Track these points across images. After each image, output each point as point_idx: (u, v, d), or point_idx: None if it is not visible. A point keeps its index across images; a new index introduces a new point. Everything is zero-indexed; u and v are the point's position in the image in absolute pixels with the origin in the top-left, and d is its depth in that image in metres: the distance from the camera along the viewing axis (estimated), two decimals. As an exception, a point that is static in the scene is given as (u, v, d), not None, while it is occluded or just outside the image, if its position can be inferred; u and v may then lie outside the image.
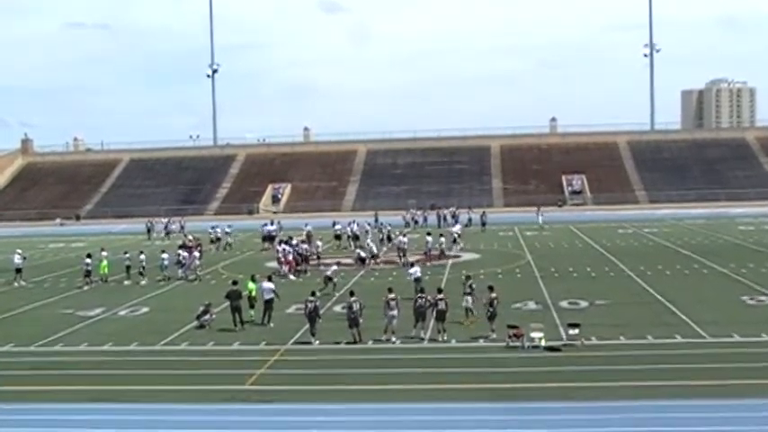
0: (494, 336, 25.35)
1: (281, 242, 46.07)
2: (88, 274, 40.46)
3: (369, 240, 45.20)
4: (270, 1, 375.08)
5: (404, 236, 48.14)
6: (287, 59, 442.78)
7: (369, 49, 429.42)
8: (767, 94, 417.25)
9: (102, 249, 45.51)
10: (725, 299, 31.94)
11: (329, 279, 35.83)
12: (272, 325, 28.56)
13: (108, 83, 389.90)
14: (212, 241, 56.78)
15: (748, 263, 41.62)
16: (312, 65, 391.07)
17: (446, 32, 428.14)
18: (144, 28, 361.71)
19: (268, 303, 29.10)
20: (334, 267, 36.75)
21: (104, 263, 41.31)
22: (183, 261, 41.73)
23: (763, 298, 31.78)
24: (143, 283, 40.25)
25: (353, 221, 58.71)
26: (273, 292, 29.34)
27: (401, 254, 45.41)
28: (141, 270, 41.76)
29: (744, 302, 31.05)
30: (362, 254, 44.68)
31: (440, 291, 26.90)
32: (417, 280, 33.32)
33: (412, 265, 37.83)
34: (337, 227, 57.78)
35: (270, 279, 30.82)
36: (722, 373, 20.97)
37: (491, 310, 25.78)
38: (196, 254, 43.31)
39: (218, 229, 58.56)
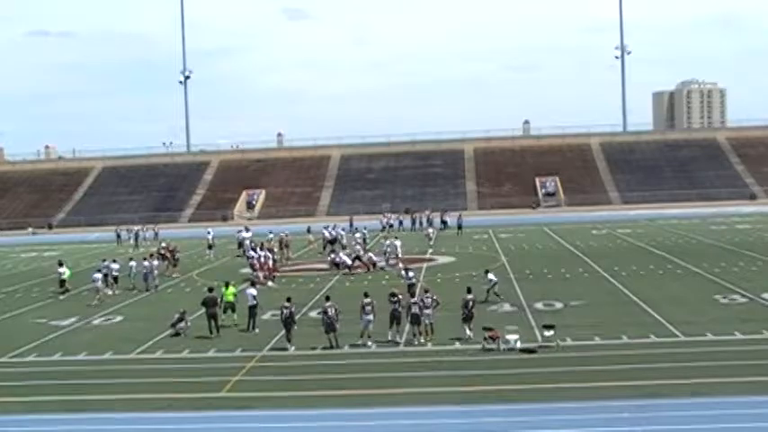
0: (469, 334, 25.42)
1: (253, 248, 45.81)
2: (63, 282, 40.00)
3: (341, 253, 45.02)
4: (239, 8, 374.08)
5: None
6: (259, 65, 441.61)
7: (339, 55, 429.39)
8: (737, 94, 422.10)
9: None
10: (698, 298, 32.18)
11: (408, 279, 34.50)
12: (257, 331, 28.43)
13: (78, 90, 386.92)
14: (210, 247, 56.47)
15: (721, 262, 42.01)
16: (284, 70, 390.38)
17: (416, 37, 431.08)
18: (112, 35, 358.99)
19: (251, 310, 29.04)
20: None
21: (67, 273, 40.57)
22: (146, 271, 40.38)
23: (735, 297, 32.07)
24: (111, 293, 39.13)
25: (329, 226, 58.32)
26: (255, 298, 29.27)
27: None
28: (112, 281, 40.06)
29: (717, 301, 31.31)
30: (337, 258, 44.54)
31: (412, 294, 26.92)
32: (411, 285, 33.00)
33: (407, 270, 35.70)
34: (332, 231, 56.67)
35: (253, 285, 30.82)
36: (697, 371, 21.15)
37: (466, 311, 25.86)
38: (155, 262, 42.12)
39: (211, 235, 58.24)
